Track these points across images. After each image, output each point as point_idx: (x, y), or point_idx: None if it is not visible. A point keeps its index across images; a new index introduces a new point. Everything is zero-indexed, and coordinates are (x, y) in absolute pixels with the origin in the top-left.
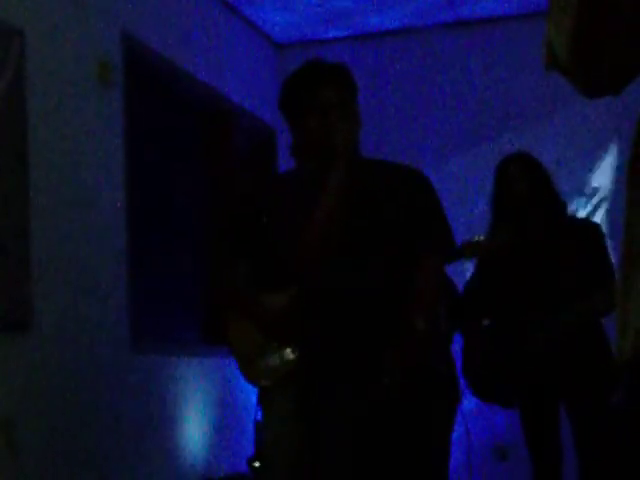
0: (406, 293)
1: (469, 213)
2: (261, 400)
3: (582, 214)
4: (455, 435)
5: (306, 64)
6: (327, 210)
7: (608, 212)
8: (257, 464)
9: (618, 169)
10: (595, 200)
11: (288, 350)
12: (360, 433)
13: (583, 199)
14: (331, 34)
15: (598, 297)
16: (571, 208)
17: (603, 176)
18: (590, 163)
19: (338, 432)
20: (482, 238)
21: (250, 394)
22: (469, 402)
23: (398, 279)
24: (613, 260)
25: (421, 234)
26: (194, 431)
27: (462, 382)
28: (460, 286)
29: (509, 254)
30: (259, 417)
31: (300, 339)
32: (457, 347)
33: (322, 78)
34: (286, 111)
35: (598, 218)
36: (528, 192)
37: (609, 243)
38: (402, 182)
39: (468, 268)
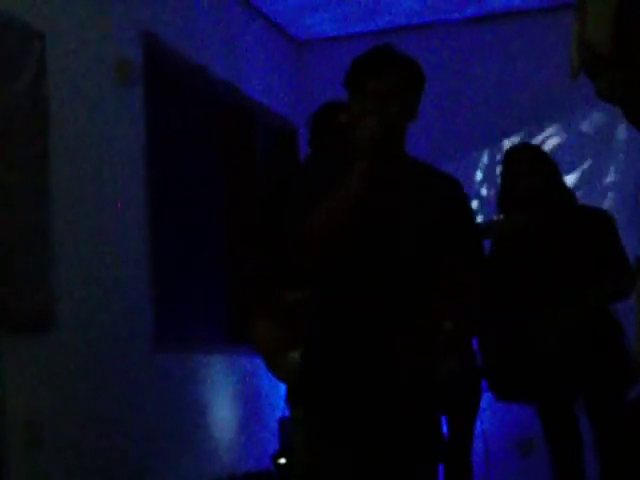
0: (425, 301)
1: (488, 211)
2: (288, 397)
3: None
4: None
5: (373, 48)
6: (338, 214)
7: (628, 208)
8: (281, 461)
9: None
10: (615, 196)
11: None
12: (374, 433)
13: (602, 195)
14: (351, 30)
15: (608, 283)
16: (588, 202)
17: (624, 172)
18: (611, 159)
19: (348, 434)
20: (501, 217)
21: (274, 391)
22: (491, 397)
23: (416, 286)
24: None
25: (454, 250)
26: (218, 428)
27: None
28: None
29: (522, 240)
30: (284, 414)
31: (305, 341)
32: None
33: (376, 64)
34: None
35: (617, 213)
36: (538, 185)
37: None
38: (438, 191)
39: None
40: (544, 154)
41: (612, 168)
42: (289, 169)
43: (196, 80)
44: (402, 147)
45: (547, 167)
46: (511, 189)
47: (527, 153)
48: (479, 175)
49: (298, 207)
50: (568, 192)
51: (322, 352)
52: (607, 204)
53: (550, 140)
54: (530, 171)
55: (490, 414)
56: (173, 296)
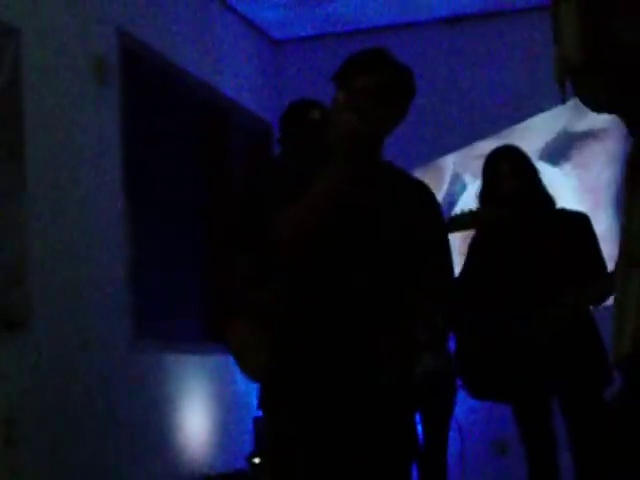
0: (407, 300)
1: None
2: (262, 400)
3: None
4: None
5: (369, 47)
6: (317, 210)
7: (607, 209)
8: (256, 461)
9: (614, 166)
10: (593, 198)
11: None
12: (351, 433)
13: (581, 197)
14: (327, 30)
15: (590, 286)
16: (566, 204)
17: (597, 173)
18: (591, 159)
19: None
20: (473, 210)
21: (249, 391)
22: (469, 397)
23: (398, 285)
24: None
25: (422, 265)
26: (194, 428)
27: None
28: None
29: (503, 236)
30: (259, 414)
31: (277, 343)
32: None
33: (369, 62)
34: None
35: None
36: (518, 187)
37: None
38: (411, 197)
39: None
40: (525, 157)
41: (593, 169)
42: (264, 168)
43: (172, 79)
44: (379, 149)
45: (528, 170)
46: (492, 191)
47: (509, 155)
48: (460, 176)
49: (276, 206)
50: (548, 195)
51: (301, 353)
52: (585, 206)
53: (530, 142)
54: (511, 173)
55: (466, 413)
56: (150, 296)
